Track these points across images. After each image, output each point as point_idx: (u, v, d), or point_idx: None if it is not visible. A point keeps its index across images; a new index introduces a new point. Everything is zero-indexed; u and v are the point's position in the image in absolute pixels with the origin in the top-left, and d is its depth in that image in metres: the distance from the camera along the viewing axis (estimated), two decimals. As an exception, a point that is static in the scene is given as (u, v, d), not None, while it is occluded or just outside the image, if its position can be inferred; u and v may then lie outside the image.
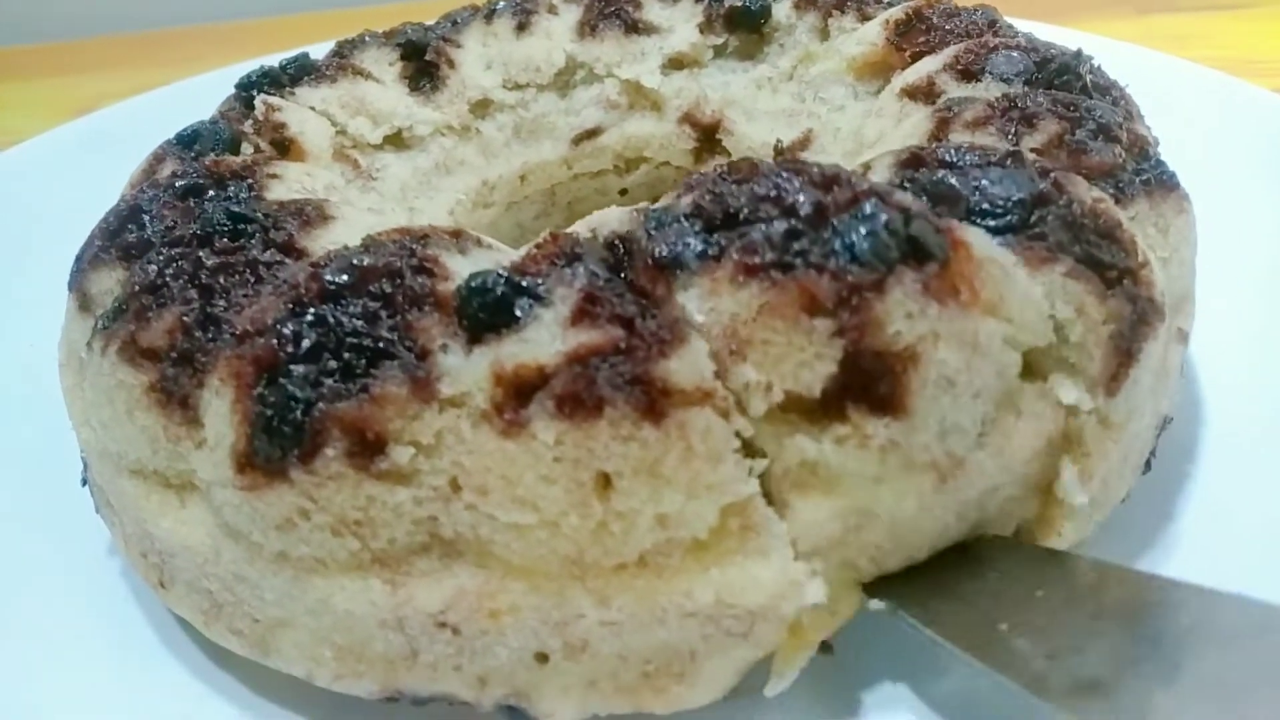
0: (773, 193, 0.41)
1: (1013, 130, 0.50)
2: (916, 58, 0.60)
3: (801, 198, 0.41)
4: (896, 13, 0.64)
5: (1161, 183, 0.49)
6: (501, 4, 0.73)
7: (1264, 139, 0.73)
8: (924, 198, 0.44)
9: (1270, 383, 0.56)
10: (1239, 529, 0.49)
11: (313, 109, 0.64)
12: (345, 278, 0.42)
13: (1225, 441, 0.54)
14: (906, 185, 0.45)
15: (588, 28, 0.71)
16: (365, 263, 0.43)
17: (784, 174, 0.42)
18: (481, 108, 0.69)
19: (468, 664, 0.41)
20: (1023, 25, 0.65)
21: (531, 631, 0.40)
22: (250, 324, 0.42)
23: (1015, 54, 0.56)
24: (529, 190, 0.71)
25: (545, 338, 0.39)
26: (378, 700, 0.43)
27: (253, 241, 0.47)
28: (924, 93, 0.56)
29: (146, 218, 0.52)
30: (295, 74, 0.67)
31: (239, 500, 0.41)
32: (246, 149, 0.61)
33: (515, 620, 0.40)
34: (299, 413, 0.39)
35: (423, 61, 0.69)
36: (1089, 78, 0.55)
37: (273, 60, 0.68)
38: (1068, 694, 0.34)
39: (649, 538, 0.39)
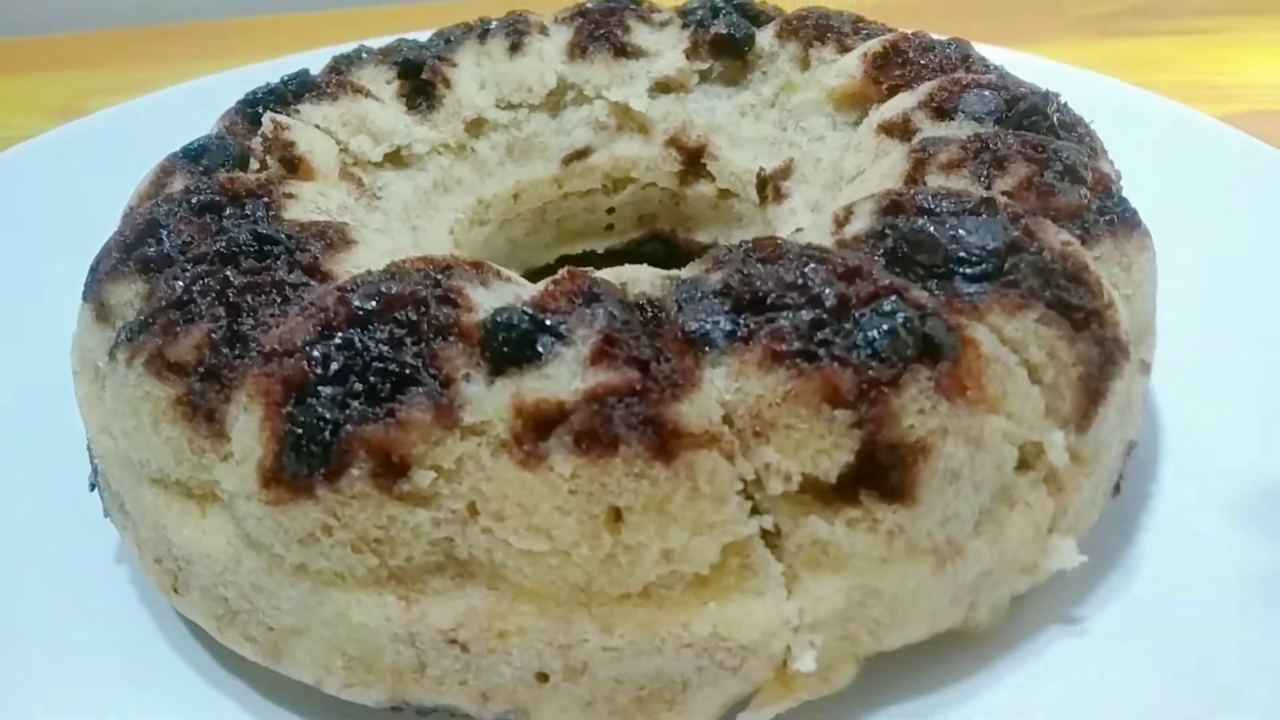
0: (799, 280, 0.43)
1: (985, 173, 0.52)
2: (893, 91, 0.62)
3: (827, 290, 0.43)
4: (874, 45, 0.65)
5: (1124, 220, 0.52)
6: (495, 23, 0.74)
7: (1217, 168, 0.76)
8: (904, 245, 0.46)
9: (1228, 401, 0.59)
10: (1203, 545, 0.51)
11: (317, 126, 0.65)
12: (373, 304, 0.44)
13: (1185, 461, 0.56)
14: (888, 232, 0.47)
15: (578, 49, 0.72)
16: (392, 290, 0.44)
17: (810, 263, 0.44)
18: (476, 127, 0.70)
19: (473, 679, 0.43)
20: (991, 51, 0.67)
21: (536, 652, 0.42)
22: (279, 344, 0.44)
23: (987, 93, 0.58)
24: (521, 208, 0.72)
25: (566, 375, 0.41)
26: (383, 709, 0.45)
27: (279, 263, 0.49)
28: (900, 130, 0.58)
29: (164, 232, 0.52)
30: (298, 90, 0.67)
31: (262, 513, 0.42)
32: (253, 165, 0.61)
33: (522, 641, 0.42)
34: (327, 433, 0.41)
35: (419, 80, 0.69)
36: (1055, 116, 0.57)
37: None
38: None
39: (654, 570, 0.41)
